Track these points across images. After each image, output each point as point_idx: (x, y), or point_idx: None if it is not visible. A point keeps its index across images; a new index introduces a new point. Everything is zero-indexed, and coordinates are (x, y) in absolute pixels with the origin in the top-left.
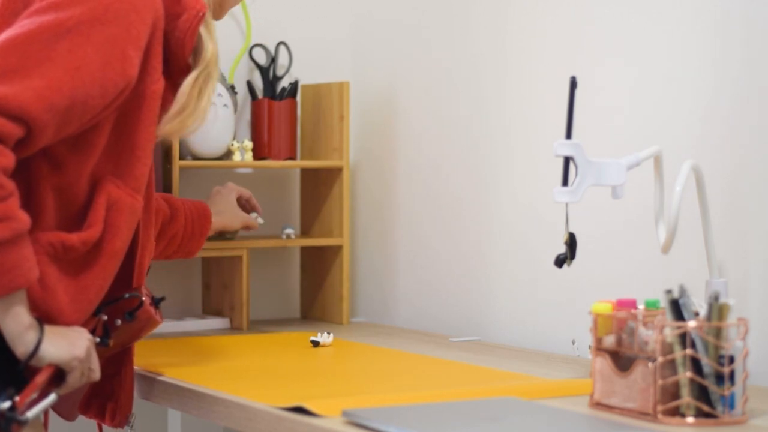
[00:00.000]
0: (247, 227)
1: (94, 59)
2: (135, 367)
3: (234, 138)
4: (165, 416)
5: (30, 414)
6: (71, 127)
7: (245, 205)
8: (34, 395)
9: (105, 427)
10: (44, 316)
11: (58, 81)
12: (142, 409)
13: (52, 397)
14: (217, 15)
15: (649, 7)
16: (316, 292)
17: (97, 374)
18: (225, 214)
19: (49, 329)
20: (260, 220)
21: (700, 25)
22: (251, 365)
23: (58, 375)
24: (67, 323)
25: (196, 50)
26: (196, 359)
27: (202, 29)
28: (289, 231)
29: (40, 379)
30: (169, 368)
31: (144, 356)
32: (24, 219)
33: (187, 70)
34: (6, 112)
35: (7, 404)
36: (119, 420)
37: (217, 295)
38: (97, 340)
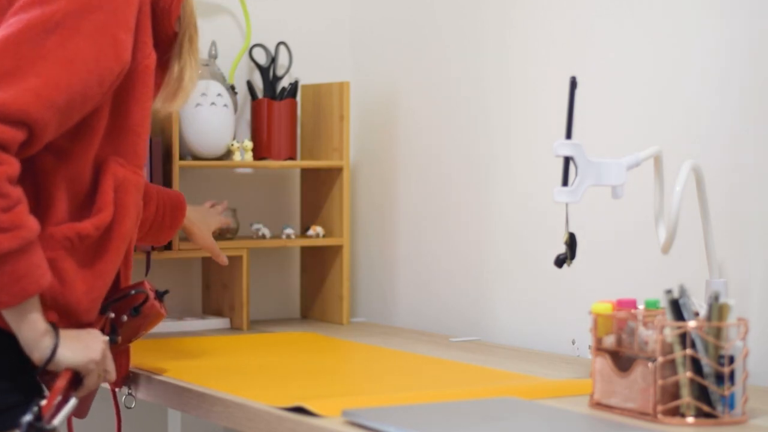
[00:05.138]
0: (217, 258)
1: (87, 49)
2: (136, 367)
3: (234, 138)
4: (165, 416)
5: (56, 422)
6: (73, 120)
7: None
8: (57, 400)
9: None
10: (62, 310)
11: (55, 77)
12: (142, 409)
13: (73, 402)
14: None
15: (650, 8)
16: (316, 292)
17: (112, 375)
18: (197, 228)
19: (64, 334)
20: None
21: (701, 25)
22: (251, 365)
23: (75, 378)
24: (83, 312)
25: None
26: (196, 359)
27: None
28: (289, 231)
29: (61, 384)
30: (169, 368)
31: (144, 356)
32: (32, 226)
33: (174, 37)
34: (6, 118)
35: (29, 417)
36: (118, 381)
37: (217, 295)
38: (106, 338)
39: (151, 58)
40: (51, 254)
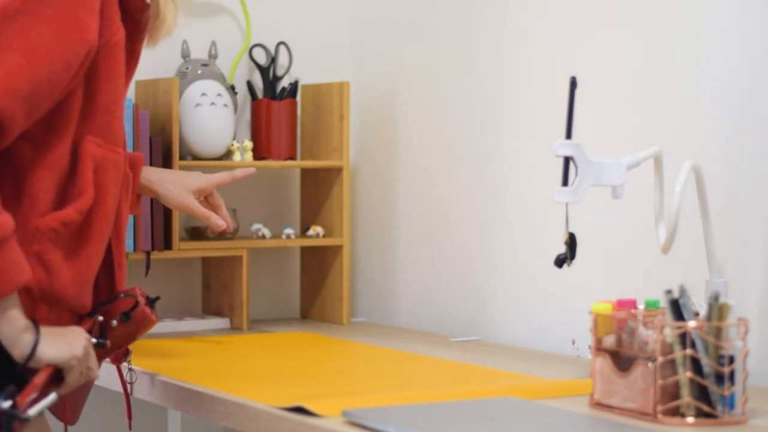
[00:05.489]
0: (207, 220)
1: (48, 35)
2: (136, 367)
3: (234, 138)
4: (165, 416)
5: (31, 412)
6: (43, 108)
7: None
8: (34, 395)
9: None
10: (51, 299)
11: (17, 66)
12: (142, 409)
13: (52, 396)
14: None
15: (650, 8)
16: (316, 292)
17: (95, 373)
18: (171, 188)
19: (45, 330)
20: (220, 222)
21: (700, 25)
22: (251, 365)
23: (57, 375)
24: (71, 298)
25: None
26: (196, 359)
27: None
28: (289, 231)
29: (39, 379)
30: (169, 368)
31: (144, 356)
32: (6, 223)
33: (146, 7)
34: None
35: (8, 403)
36: (119, 356)
37: (217, 295)
38: (94, 341)
39: (119, 33)
40: (38, 247)
